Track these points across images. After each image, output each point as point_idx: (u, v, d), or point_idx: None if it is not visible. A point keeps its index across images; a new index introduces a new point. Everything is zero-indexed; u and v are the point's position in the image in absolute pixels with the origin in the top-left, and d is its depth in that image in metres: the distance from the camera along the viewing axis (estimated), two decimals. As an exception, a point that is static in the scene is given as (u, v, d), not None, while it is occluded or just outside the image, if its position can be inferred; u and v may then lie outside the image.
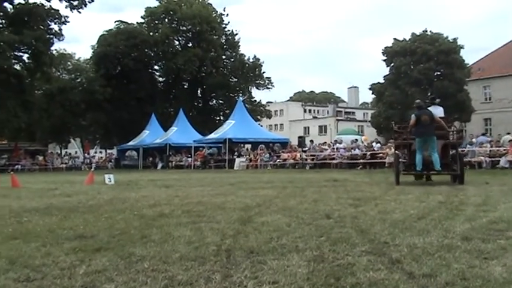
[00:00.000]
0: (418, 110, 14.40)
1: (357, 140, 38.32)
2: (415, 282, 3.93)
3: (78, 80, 61.18)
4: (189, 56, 59.04)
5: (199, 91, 66.99)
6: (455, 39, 57.18)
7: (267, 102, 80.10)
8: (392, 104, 57.17)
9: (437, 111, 15.10)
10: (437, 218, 7.06)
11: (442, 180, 15.07)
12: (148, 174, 30.23)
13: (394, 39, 60.34)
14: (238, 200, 10.44)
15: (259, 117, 64.89)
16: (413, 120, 14.21)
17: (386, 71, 60.71)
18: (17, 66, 49.77)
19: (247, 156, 40.06)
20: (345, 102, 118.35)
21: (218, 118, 65.61)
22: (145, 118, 53.21)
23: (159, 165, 46.08)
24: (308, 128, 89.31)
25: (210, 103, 67.32)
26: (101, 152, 68.46)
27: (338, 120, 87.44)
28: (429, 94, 15.87)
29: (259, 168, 35.92)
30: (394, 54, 58.49)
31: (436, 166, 13.99)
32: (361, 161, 31.38)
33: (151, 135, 49.55)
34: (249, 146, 45.78)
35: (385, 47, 60.18)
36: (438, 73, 56.84)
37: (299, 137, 35.91)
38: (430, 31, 58.65)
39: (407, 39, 59.00)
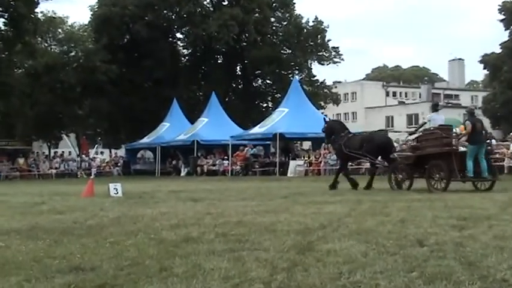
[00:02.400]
0: (471, 116, 19.14)
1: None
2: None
3: (73, 54, 62.07)
4: (225, 19, 59.14)
5: (238, 68, 67.27)
6: None
7: (334, 83, 79.80)
8: (513, 82, 56.19)
9: (440, 118, 20.04)
10: None
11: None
12: (169, 183, 30.51)
13: (516, -10, 59.24)
14: (293, 220, 10.45)
15: (322, 103, 64.78)
16: (470, 127, 18.46)
17: (504, 36, 59.68)
18: (-11, 36, 50.81)
19: (306, 158, 40.04)
20: (444, 81, 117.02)
21: (265, 105, 65.74)
22: (164, 106, 53.76)
23: (184, 171, 46.52)
24: (392, 117, 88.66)
25: (254, 84, 67.52)
26: (103, 153, 69.45)
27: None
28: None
29: (323, 175, 35.86)
30: (516, 11, 57.43)
31: (483, 173, 18.32)
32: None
33: (173, 129, 50.03)
34: (308, 143, 45.78)
35: (503, 2, 59.07)
36: None
37: (379, 131, 35.41)
38: None
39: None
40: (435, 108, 21.26)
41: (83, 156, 58.11)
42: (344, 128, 22.56)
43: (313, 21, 65.82)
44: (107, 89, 57.11)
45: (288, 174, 37.39)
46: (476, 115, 19.41)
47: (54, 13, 61.80)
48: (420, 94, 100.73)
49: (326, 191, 19.64)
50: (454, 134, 19.73)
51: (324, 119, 24.79)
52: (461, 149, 19.03)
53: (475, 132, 18.38)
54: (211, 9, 63.86)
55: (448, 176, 18.11)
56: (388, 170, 20.70)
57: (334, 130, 22.46)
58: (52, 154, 61.38)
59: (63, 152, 61.65)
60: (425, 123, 20.51)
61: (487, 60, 61.33)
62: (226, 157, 44.34)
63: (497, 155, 31.62)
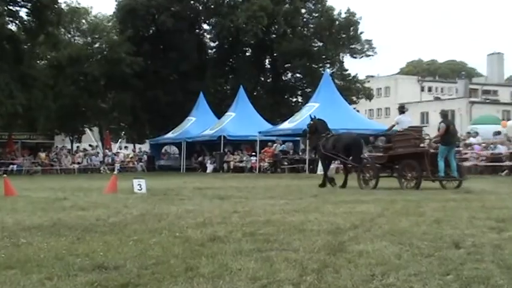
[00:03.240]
0: (445, 118, 21.44)
1: (500, 132, 37.51)
2: None
3: (97, 46, 62.32)
4: (253, 10, 58.95)
5: (267, 61, 67.14)
6: None
7: (367, 77, 79.45)
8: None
9: (407, 120, 22.19)
10: None
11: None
12: (195, 180, 30.58)
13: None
14: (324, 219, 10.43)
15: (354, 98, 64.52)
16: (444, 129, 20.22)
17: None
18: (12, 26, 51.06)
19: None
20: (482, 76, 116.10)
21: (295, 99, 65.56)
22: (190, 100, 53.82)
23: (210, 167, 46.56)
24: (427, 113, 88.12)
25: (283, 78, 67.37)
26: (127, 148, 69.80)
27: (472, 102, 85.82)
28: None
29: (353, 173, 35.74)
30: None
31: (453, 172, 20.12)
32: (508, 163, 30.73)
33: (199, 124, 50.06)
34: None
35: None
36: None
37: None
38: None
39: None
40: (401, 110, 23.02)
41: (106, 151, 58.31)
42: (326, 129, 23.88)
43: (345, 13, 65.38)
44: (132, 82, 57.18)
45: (318, 172, 37.27)
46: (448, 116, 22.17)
47: (78, 3, 62.02)
48: (457, 89, 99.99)
49: (357, 190, 19.62)
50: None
51: (310, 116, 25.94)
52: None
53: (448, 134, 20.27)
54: (240, -1, 63.80)
55: (419, 175, 19.72)
56: (357, 169, 22.03)
57: (317, 129, 23.93)
58: (75, 148, 61.67)
59: (91, 146, 61.65)
60: (393, 125, 22.42)
61: (528, 55, 60.76)
62: (254, 153, 44.27)
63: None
